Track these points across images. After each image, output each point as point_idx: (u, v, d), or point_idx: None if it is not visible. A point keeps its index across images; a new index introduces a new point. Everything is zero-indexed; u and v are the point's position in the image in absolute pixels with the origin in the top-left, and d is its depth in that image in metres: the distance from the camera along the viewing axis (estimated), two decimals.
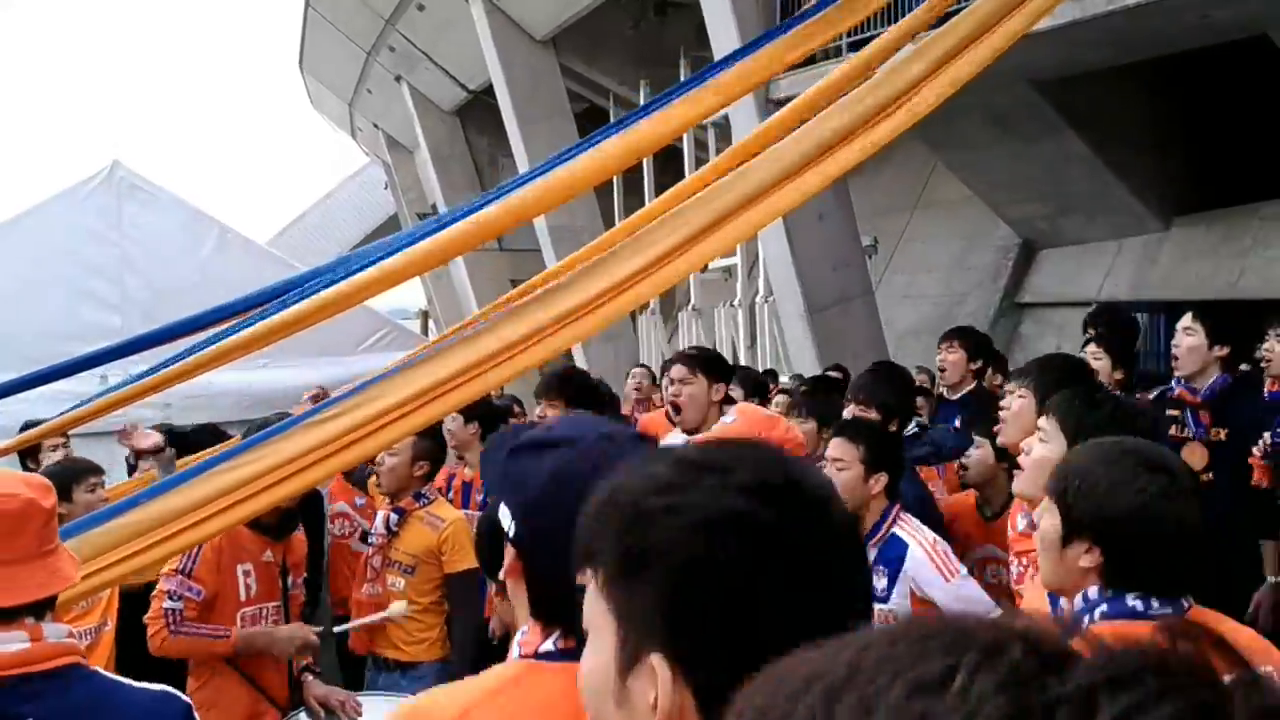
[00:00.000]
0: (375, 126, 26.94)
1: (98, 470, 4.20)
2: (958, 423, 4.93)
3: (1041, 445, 2.64)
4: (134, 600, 4.02)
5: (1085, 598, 1.96)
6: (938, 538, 3.52)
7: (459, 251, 3.28)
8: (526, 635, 1.49)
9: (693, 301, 17.20)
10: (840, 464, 3.41)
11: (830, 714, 0.49)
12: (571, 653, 1.42)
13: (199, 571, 3.86)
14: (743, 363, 14.40)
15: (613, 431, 1.52)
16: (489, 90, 18.79)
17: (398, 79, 22.50)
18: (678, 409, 4.30)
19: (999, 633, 0.50)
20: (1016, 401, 3.21)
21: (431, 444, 4.58)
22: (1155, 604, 1.91)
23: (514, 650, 1.49)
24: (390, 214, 31.83)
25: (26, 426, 4.92)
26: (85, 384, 5.75)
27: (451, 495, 5.90)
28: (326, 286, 3.43)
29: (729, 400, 4.78)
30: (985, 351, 5.46)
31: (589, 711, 1.01)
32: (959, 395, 5.32)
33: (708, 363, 4.45)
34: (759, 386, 5.86)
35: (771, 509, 0.92)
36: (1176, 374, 4.56)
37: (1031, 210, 13.82)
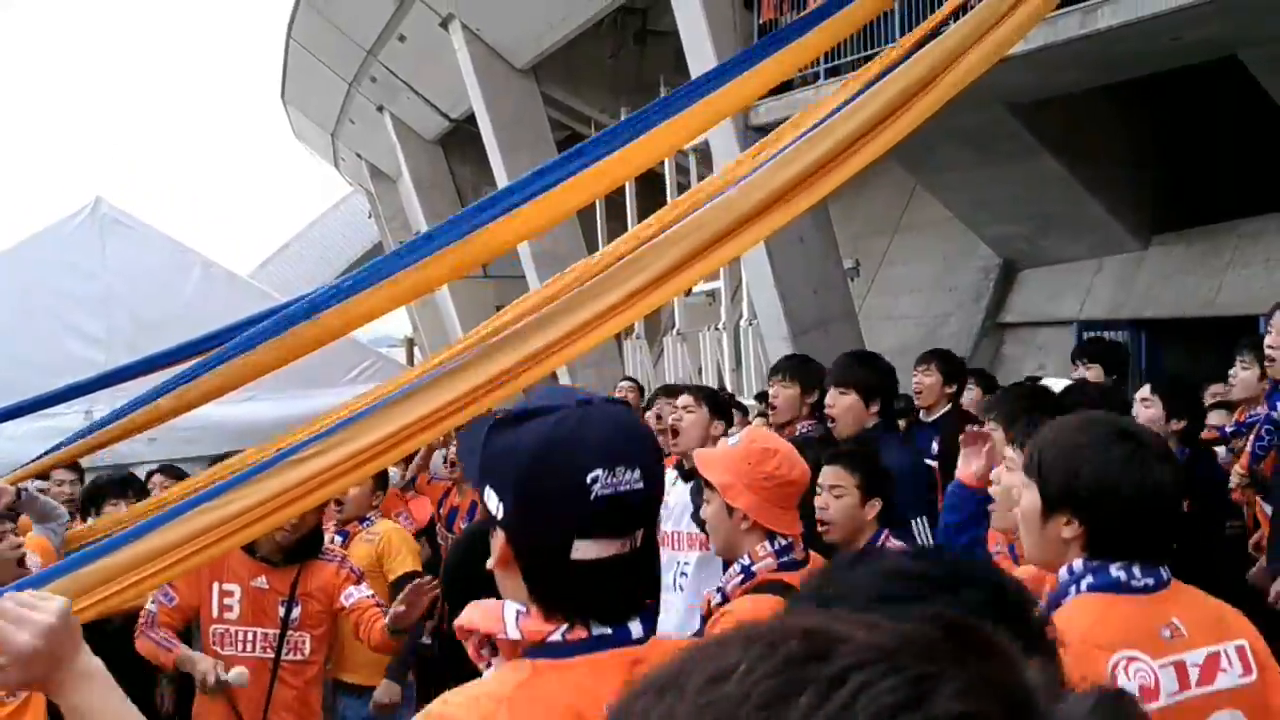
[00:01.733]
0: (358, 156, 27.00)
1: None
2: (935, 446, 4.95)
3: (1010, 474, 2.71)
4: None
5: (1070, 570, 1.96)
6: None
7: (442, 282, 3.30)
8: (527, 618, 1.42)
9: (677, 325, 17.26)
10: (838, 490, 3.45)
11: (655, 705, 0.60)
12: (581, 645, 1.40)
13: (177, 581, 3.91)
14: (728, 386, 14.46)
15: (589, 397, 1.48)
16: (471, 119, 18.88)
17: (380, 109, 22.58)
18: (675, 433, 4.46)
19: (784, 630, 0.61)
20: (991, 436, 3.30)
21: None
22: (1138, 573, 1.93)
23: (511, 629, 1.41)
24: (374, 242, 31.85)
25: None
26: (71, 420, 5.76)
27: (440, 513, 5.96)
28: (305, 315, 3.47)
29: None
30: (960, 374, 5.50)
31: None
32: (934, 418, 5.34)
33: (711, 398, 4.73)
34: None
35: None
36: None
37: (1011, 230, 13.93)
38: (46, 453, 4.25)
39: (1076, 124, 11.93)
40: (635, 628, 1.44)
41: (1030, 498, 2.05)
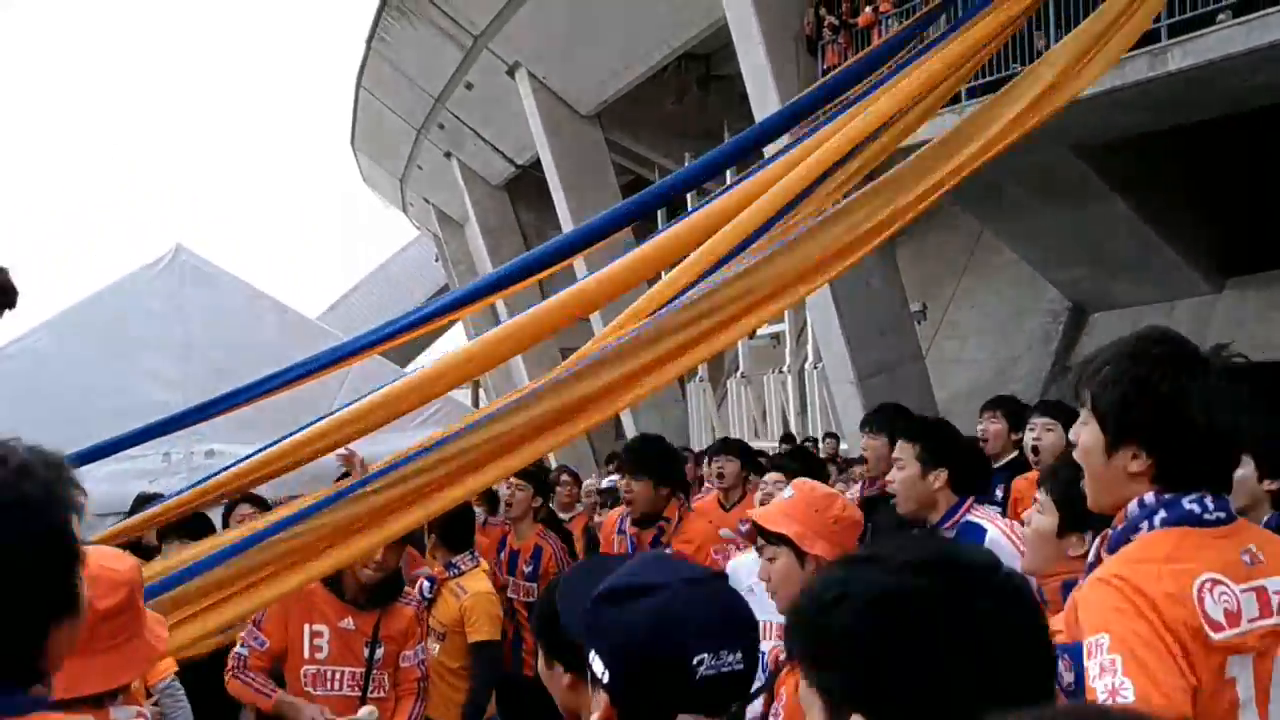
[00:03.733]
0: (426, 201, 27.48)
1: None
2: (999, 491, 4.89)
3: (1039, 516, 2.70)
4: None
5: (1141, 503, 1.88)
6: (1015, 524, 3.57)
7: (525, 346, 3.36)
8: None
9: (741, 368, 17.24)
10: (899, 463, 3.51)
11: None
12: None
13: (266, 624, 4.04)
14: (793, 429, 14.38)
15: (696, 575, 1.56)
16: (536, 164, 19.16)
17: (447, 155, 22.98)
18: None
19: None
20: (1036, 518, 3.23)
21: (445, 517, 4.55)
22: (1210, 505, 1.86)
23: None
24: (440, 285, 32.33)
25: (140, 500, 5.05)
26: (149, 462, 5.91)
27: (502, 558, 5.99)
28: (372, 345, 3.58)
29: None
30: (1025, 421, 5.42)
31: None
32: (1000, 464, 5.28)
33: (744, 452, 4.74)
34: (746, 453, 5.91)
35: (925, 580, 1.02)
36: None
37: (1079, 274, 13.78)
38: (175, 494, 4.32)
39: (1146, 166, 11.81)
40: None
41: (1090, 433, 1.93)
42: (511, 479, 5.59)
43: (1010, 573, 1.07)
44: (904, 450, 3.51)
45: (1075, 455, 2.01)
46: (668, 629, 1.46)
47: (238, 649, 4.06)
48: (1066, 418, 5.53)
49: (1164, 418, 1.86)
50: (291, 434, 3.53)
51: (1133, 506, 1.90)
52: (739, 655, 1.47)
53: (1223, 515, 1.88)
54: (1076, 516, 2.37)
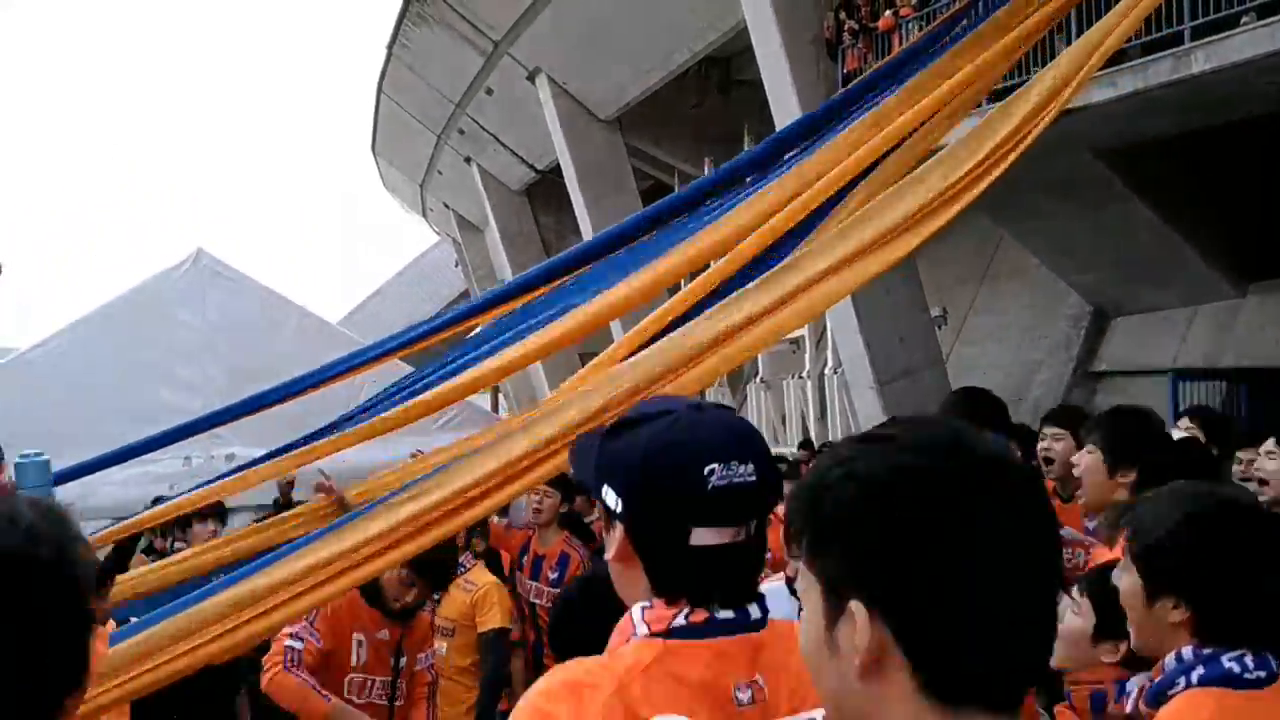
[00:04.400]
0: (446, 206, 27.56)
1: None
2: None
3: (1074, 617, 2.54)
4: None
5: (1179, 658, 1.86)
6: None
7: (546, 354, 3.34)
8: (651, 610, 1.48)
9: (760, 373, 17.22)
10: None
11: None
12: (704, 628, 1.46)
13: (320, 623, 4.01)
14: (813, 435, 14.34)
15: (700, 403, 1.58)
16: (556, 170, 19.18)
17: (467, 160, 23.04)
18: None
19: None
20: (1086, 458, 3.17)
21: None
22: (1250, 664, 1.82)
23: (639, 626, 1.47)
24: (460, 290, 32.43)
25: (157, 503, 5.08)
26: (169, 466, 5.93)
27: (524, 562, 6.00)
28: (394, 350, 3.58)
29: None
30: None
31: (810, 671, 1.08)
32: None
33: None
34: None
35: (934, 460, 1.00)
36: (1263, 499, 4.42)
37: (1101, 278, 13.69)
38: (180, 494, 4.33)
39: (1168, 169, 11.72)
40: (754, 610, 1.50)
41: (1130, 581, 1.94)
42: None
43: (1024, 465, 1.04)
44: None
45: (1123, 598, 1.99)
46: (677, 442, 1.47)
47: (289, 642, 3.94)
48: (1075, 425, 5.43)
49: (1202, 573, 1.85)
50: (306, 439, 3.52)
51: (1170, 660, 1.88)
52: (750, 467, 1.48)
53: (1263, 675, 1.84)
54: (1112, 623, 2.33)
